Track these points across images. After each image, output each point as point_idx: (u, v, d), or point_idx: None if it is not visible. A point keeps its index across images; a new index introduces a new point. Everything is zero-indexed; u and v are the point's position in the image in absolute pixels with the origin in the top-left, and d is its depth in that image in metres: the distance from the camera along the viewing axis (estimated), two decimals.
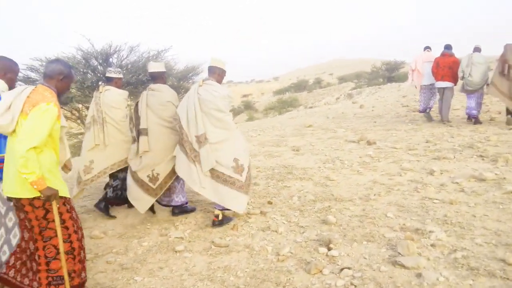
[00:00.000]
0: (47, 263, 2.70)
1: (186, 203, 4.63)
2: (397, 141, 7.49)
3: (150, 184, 4.27)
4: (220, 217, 4.10)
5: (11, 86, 3.01)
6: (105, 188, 4.79)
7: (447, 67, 8.81)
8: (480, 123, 8.61)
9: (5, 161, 2.69)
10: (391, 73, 35.98)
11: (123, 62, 11.90)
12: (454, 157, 5.81)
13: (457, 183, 4.68)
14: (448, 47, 9.17)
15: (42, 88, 2.64)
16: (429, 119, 9.63)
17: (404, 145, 7.04)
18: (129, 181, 4.42)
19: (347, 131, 9.37)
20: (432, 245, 3.20)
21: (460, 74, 8.68)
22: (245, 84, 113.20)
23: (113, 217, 4.59)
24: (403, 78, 30.86)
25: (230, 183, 3.92)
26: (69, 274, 2.74)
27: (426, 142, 7.09)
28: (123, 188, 4.63)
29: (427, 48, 9.74)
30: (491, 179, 4.64)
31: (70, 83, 2.81)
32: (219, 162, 3.90)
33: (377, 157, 6.32)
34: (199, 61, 13.62)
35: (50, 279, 2.71)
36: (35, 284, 2.77)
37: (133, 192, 4.36)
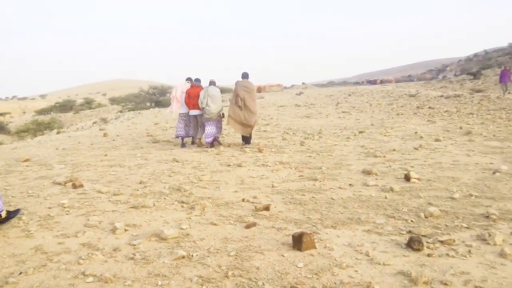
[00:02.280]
0: None
1: None
2: (111, 182, 6.52)
3: None
4: None
5: None
6: None
7: (196, 97, 9.94)
8: (220, 143, 10.13)
9: None
10: (159, 98, 36.01)
11: None
12: (154, 205, 5.13)
13: (134, 245, 3.88)
14: (197, 80, 10.61)
15: None
16: (183, 145, 10.28)
17: (115, 187, 6.10)
18: None
19: (67, 167, 7.96)
20: None
21: (200, 105, 9.82)
22: (3, 101, 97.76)
23: None
24: (169, 103, 31.26)
25: None
26: None
27: (140, 183, 6.33)
28: None
29: (188, 79, 10.73)
30: (172, 237, 4.01)
31: None
32: None
33: (70, 207, 5.14)
34: None
35: None
36: None
37: None
